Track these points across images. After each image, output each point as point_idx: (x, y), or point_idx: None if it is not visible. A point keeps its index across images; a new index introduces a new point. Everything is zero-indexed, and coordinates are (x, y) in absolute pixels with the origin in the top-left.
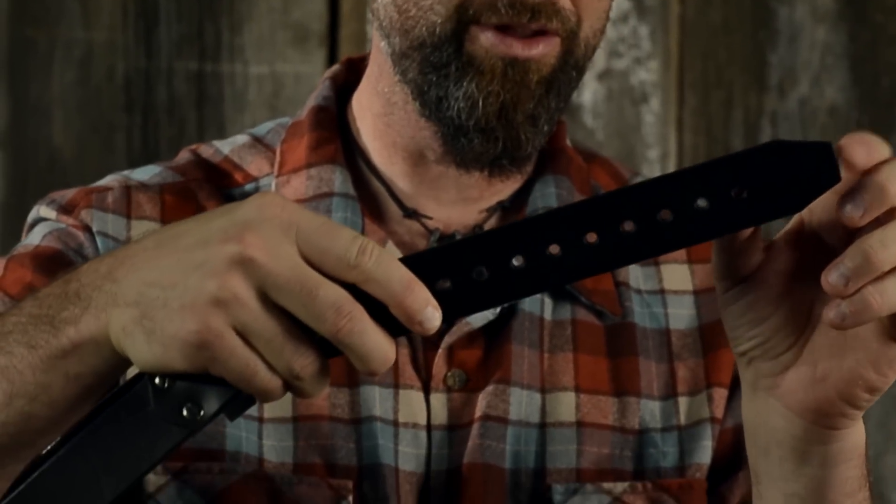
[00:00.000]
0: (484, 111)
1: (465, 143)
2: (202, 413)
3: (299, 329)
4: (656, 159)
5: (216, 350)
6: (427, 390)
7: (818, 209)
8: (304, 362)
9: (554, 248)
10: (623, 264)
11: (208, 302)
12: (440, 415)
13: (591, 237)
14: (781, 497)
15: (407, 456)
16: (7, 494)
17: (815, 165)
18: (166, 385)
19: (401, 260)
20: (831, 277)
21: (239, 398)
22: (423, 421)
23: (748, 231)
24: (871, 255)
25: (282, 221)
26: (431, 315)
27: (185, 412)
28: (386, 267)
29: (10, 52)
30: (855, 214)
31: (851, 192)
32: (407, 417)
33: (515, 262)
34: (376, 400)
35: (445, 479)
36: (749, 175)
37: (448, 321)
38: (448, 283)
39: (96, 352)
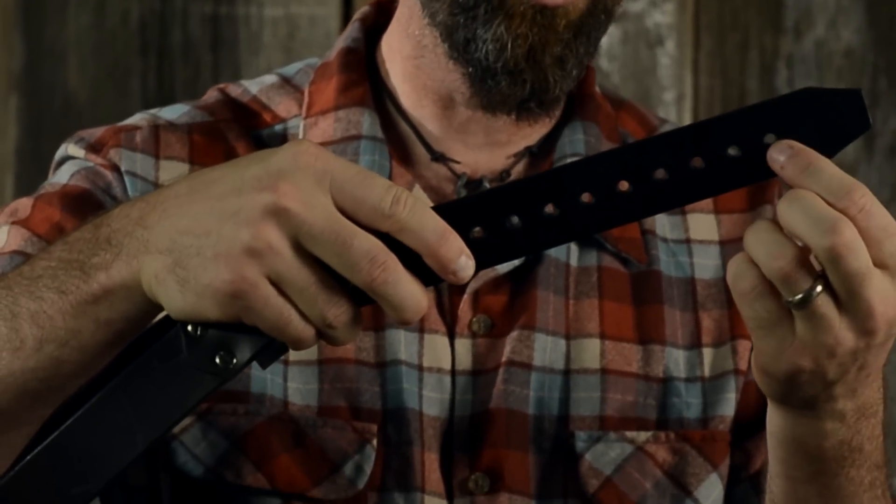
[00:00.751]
0: (512, 53)
1: (493, 85)
2: (234, 361)
3: (332, 278)
4: (672, 102)
5: (250, 300)
6: (452, 335)
7: None
8: (337, 311)
9: (586, 197)
10: (655, 213)
11: (242, 251)
12: (465, 360)
13: (624, 185)
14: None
15: (431, 400)
16: (38, 442)
17: (846, 112)
18: (199, 333)
19: (434, 209)
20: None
21: (271, 346)
22: (447, 366)
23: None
24: None
25: (316, 171)
26: (465, 264)
27: (217, 360)
28: (420, 216)
29: None
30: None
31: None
32: (431, 362)
33: (548, 210)
34: (401, 344)
35: (469, 424)
36: (780, 122)
37: (481, 269)
38: (481, 231)
39: (127, 298)
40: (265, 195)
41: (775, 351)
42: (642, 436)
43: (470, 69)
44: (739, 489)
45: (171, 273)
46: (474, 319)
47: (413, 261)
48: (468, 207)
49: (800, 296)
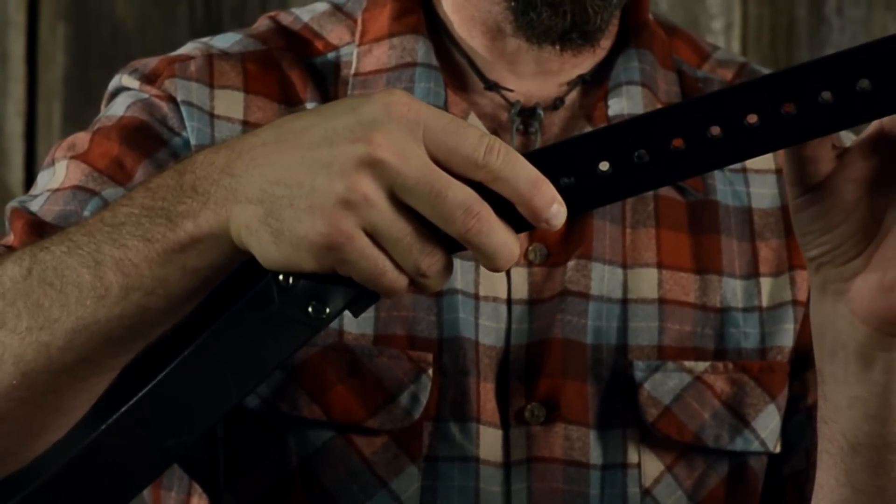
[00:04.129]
0: None
1: (535, 16)
2: (327, 311)
3: (425, 227)
4: (720, 30)
5: (346, 251)
6: None
7: None
8: (430, 261)
9: (677, 142)
10: (745, 158)
11: (338, 203)
12: (521, 289)
13: (715, 130)
14: (845, 399)
15: (487, 329)
16: (118, 388)
17: None
18: (290, 283)
19: (525, 155)
20: None
21: (364, 295)
22: (503, 295)
23: (818, 139)
24: None
25: (409, 121)
26: (557, 212)
27: (310, 310)
28: (513, 165)
29: None
30: None
31: None
32: (488, 291)
33: (639, 156)
34: (458, 273)
35: (525, 353)
36: (873, 68)
37: (573, 215)
38: (572, 178)
39: (216, 246)
40: (359, 146)
41: None
42: (700, 366)
43: (512, 2)
44: (796, 420)
45: (264, 224)
46: (530, 248)
47: (505, 208)
48: (559, 154)
49: None
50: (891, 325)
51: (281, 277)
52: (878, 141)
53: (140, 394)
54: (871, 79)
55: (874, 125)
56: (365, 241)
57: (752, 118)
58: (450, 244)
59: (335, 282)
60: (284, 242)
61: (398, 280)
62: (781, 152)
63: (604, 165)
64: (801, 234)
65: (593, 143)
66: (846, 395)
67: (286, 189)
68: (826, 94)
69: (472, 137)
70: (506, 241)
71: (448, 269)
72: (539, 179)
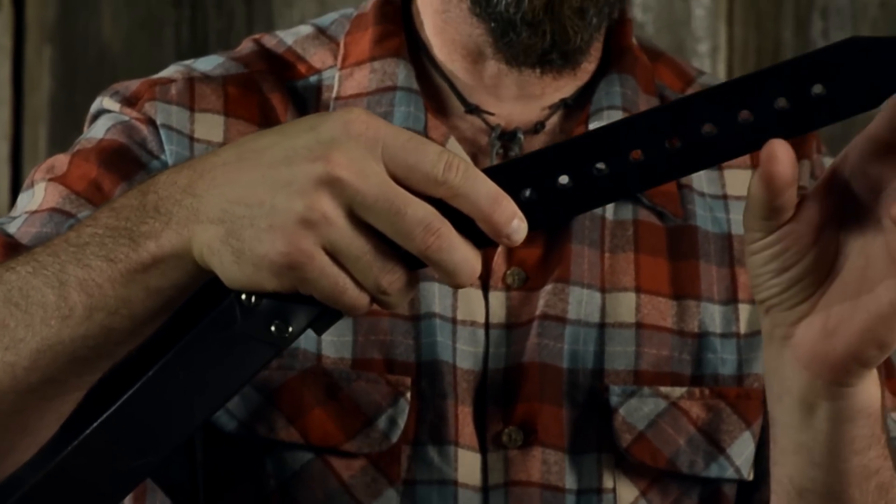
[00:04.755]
0: (530, 4)
1: (514, 37)
2: (290, 330)
3: (386, 245)
4: (706, 53)
5: (307, 271)
6: (486, 288)
7: (853, 155)
8: (391, 278)
9: (636, 154)
10: (705, 167)
11: (297, 222)
12: (499, 313)
13: (673, 141)
14: (791, 445)
15: (465, 353)
16: (86, 408)
17: (891, 61)
18: (253, 302)
19: (485, 171)
20: None
21: (326, 313)
22: (481, 319)
23: (786, 182)
24: None
25: (368, 139)
26: (518, 227)
27: (273, 329)
28: (473, 182)
29: None
30: None
31: None
32: (465, 315)
33: (598, 169)
34: (436, 297)
35: (503, 377)
36: (827, 73)
37: (534, 230)
38: (532, 192)
39: (179, 266)
40: (318, 165)
41: None
42: (677, 391)
43: (492, 23)
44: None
45: (226, 244)
46: (508, 272)
47: (466, 224)
48: (518, 169)
49: None
50: (832, 372)
51: (244, 297)
52: (832, 185)
53: (105, 415)
54: (825, 84)
55: (828, 169)
56: (325, 260)
57: (709, 127)
58: (411, 261)
59: (298, 300)
60: (246, 262)
61: (359, 298)
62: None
63: (563, 179)
64: (754, 276)
65: (552, 156)
66: (792, 440)
67: (247, 209)
68: (781, 101)
69: (431, 154)
70: (467, 258)
71: (410, 286)
72: (499, 195)
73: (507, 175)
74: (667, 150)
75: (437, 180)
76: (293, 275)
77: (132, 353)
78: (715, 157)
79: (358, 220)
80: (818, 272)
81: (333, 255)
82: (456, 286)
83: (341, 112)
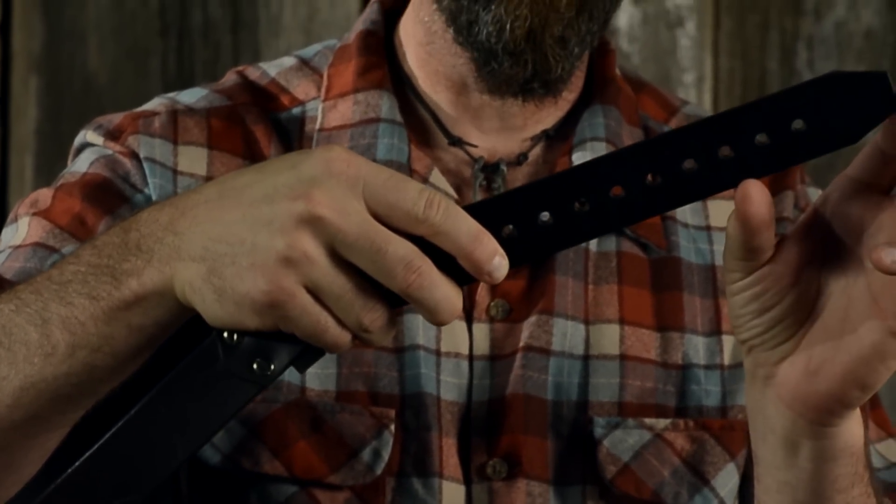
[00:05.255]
0: (512, 34)
1: (496, 66)
2: (272, 368)
3: (367, 283)
4: (692, 83)
5: (288, 309)
6: (470, 320)
7: (834, 196)
8: (373, 316)
9: (617, 190)
10: (686, 203)
11: (279, 261)
12: (482, 345)
13: (653, 177)
14: (774, 483)
15: (449, 385)
16: (70, 446)
17: (873, 95)
18: (235, 340)
19: (466, 208)
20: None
21: (308, 351)
22: (465, 351)
23: (762, 223)
24: None
25: (349, 177)
26: (499, 264)
27: (255, 367)
28: (454, 219)
29: None
30: None
31: None
32: (449, 347)
33: (579, 205)
34: (419, 329)
35: (487, 409)
36: (808, 108)
37: (515, 267)
38: (513, 229)
39: (161, 304)
40: (299, 203)
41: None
42: (661, 423)
43: (474, 53)
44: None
45: (207, 282)
46: (492, 304)
47: (447, 262)
48: (499, 206)
49: None
50: (815, 412)
51: (226, 334)
52: (813, 225)
53: (88, 452)
54: (806, 119)
55: (810, 209)
56: (307, 299)
57: (690, 163)
58: (392, 299)
59: (279, 338)
60: (227, 300)
61: (341, 336)
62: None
63: (544, 216)
64: (735, 317)
65: (533, 193)
66: (776, 479)
67: (228, 247)
68: (762, 137)
69: (412, 192)
70: (448, 295)
71: (391, 323)
72: (480, 233)
73: (487, 212)
74: (647, 187)
75: (418, 218)
76: (275, 313)
77: (116, 389)
78: (696, 194)
79: (339, 259)
80: (799, 312)
81: (315, 294)
82: (437, 324)
83: (322, 150)
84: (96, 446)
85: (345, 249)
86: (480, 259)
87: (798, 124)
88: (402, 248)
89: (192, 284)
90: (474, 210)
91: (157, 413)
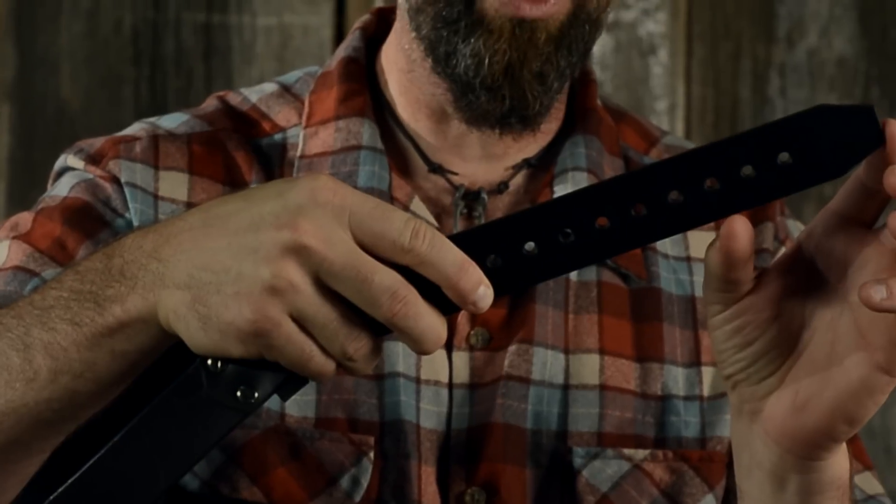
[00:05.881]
0: (490, 69)
1: (473, 99)
2: (256, 395)
3: (352, 312)
4: (664, 111)
5: (273, 338)
6: (450, 348)
7: (818, 230)
8: (357, 345)
9: (602, 221)
10: (670, 235)
11: (264, 290)
12: (462, 373)
13: (639, 209)
14: None
15: (428, 413)
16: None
17: (858, 129)
18: (219, 368)
19: (451, 238)
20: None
21: (292, 379)
22: (445, 378)
23: (743, 258)
24: None
25: (335, 206)
26: (484, 294)
27: (238, 395)
28: (439, 249)
29: (17, 3)
30: None
31: None
32: (429, 375)
33: (564, 236)
34: (399, 356)
35: (466, 437)
36: (793, 141)
37: (500, 297)
38: (498, 259)
39: (144, 330)
40: (284, 233)
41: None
42: (640, 454)
43: (451, 84)
44: None
45: (192, 310)
46: (472, 332)
47: (432, 291)
48: (484, 236)
49: None
50: (802, 447)
51: (209, 362)
52: (796, 259)
53: (70, 480)
54: (791, 152)
55: (794, 244)
56: (292, 328)
57: (675, 195)
58: (377, 328)
59: (263, 366)
60: (212, 328)
61: (326, 364)
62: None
63: (529, 246)
64: (718, 352)
65: (518, 223)
66: None
67: (213, 275)
68: (747, 169)
69: (397, 222)
70: (433, 325)
71: (375, 352)
72: (465, 263)
73: (473, 242)
74: (633, 218)
75: (404, 248)
76: (260, 342)
77: (97, 414)
78: (681, 225)
79: (324, 288)
80: (783, 346)
81: (300, 322)
82: (422, 353)
83: (308, 179)
84: (78, 473)
85: (330, 279)
86: (465, 289)
87: (784, 157)
88: (388, 278)
89: (176, 312)
90: (459, 240)
91: (140, 440)
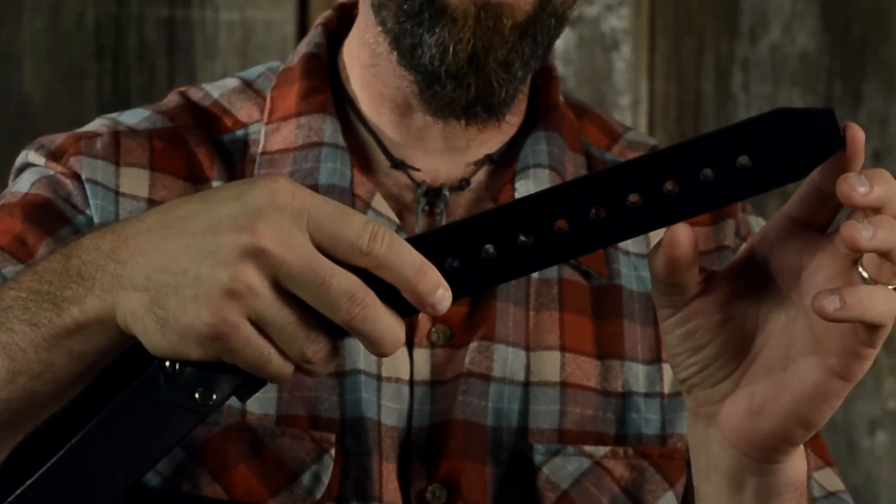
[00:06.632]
0: (455, 58)
1: (439, 89)
2: (214, 397)
3: (311, 315)
4: (627, 106)
5: (231, 341)
6: (411, 345)
7: (771, 234)
8: (315, 348)
9: (561, 223)
10: (630, 237)
11: (222, 293)
12: (423, 370)
13: (598, 211)
14: None
15: (389, 410)
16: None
17: (819, 132)
18: (177, 370)
19: (409, 240)
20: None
21: (250, 381)
22: (405, 376)
23: (685, 264)
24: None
25: (293, 210)
26: (442, 296)
27: (196, 396)
28: (398, 252)
29: None
30: (861, 189)
31: (853, 175)
32: (390, 372)
33: (523, 238)
34: (360, 353)
35: (427, 434)
36: (754, 144)
37: (458, 299)
38: (456, 261)
39: (102, 332)
40: (243, 236)
41: (858, 373)
42: (601, 450)
43: (417, 75)
44: None
45: (150, 312)
46: (433, 329)
47: (390, 293)
48: (443, 238)
49: None
50: (759, 450)
51: (168, 364)
52: (749, 263)
53: (28, 482)
54: (751, 155)
55: (746, 247)
56: (250, 331)
57: (635, 197)
58: (335, 330)
59: (221, 368)
60: (170, 331)
61: (283, 367)
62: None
63: (488, 248)
64: (672, 357)
65: (477, 226)
66: None
67: (171, 277)
68: (707, 171)
69: (356, 225)
70: (391, 328)
71: (334, 354)
72: (423, 265)
73: (431, 244)
74: (592, 221)
75: (362, 251)
76: (218, 345)
77: (55, 414)
78: (640, 228)
79: (283, 291)
80: (736, 350)
81: (258, 326)
82: (380, 355)
83: (267, 181)
84: (37, 475)
85: (289, 282)
86: (424, 292)
87: (743, 160)
88: (346, 281)
89: (134, 314)
90: (418, 242)
91: (99, 442)
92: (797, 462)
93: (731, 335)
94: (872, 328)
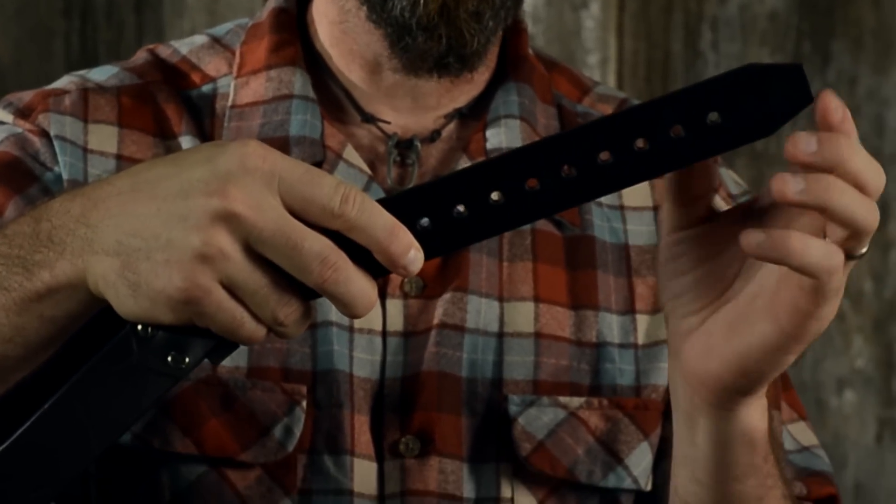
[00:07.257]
0: (425, 9)
1: (410, 42)
2: (186, 361)
3: (282, 277)
4: (596, 65)
5: (204, 305)
6: (384, 296)
7: (767, 199)
8: (288, 311)
9: (532, 182)
10: (601, 195)
11: (194, 257)
12: (396, 321)
13: (568, 170)
14: (679, 457)
15: (361, 362)
16: None
17: (787, 87)
18: (149, 333)
19: (380, 201)
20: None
21: (222, 344)
22: (378, 327)
23: (708, 175)
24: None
25: (264, 173)
26: (414, 258)
27: (169, 360)
28: (369, 214)
29: None
30: (806, 147)
31: (804, 134)
32: (362, 323)
33: (494, 197)
34: (332, 305)
35: (400, 386)
36: (723, 100)
37: (430, 259)
38: (428, 221)
39: (73, 296)
40: (214, 200)
41: (805, 332)
42: (575, 401)
43: (388, 29)
44: (667, 462)
45: (121, 276)
46: (406, 280)
47: (362, 255)
48: (414, 199)
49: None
50: (708, 392)
51: (140, 328)
52: (748, 212)
53: (0, 448)
54: (721, 111)
55: (752, 197)
56: (222, 295)
57: (605, 155)
58: (307, 292)
59: (193, 332)
60: (142, 295)
61: (256, 330)
62: (660, 186)
63: (460, 208)
64: (661, 275)
65: (448, 186)
66: (679, 452)
67: (142, 241)
68: (677, 129)
69: (327, 187)
70: (363, 289)
71: (306, 316)
72: (395, 227)
73: (402, 205)
74: (563, 179)
75: (334, 213)
76: (190, 309)
77: (26, 378)
78: (611, 186)
79: (254, 254)
80: (710, 287)
81: (230, 289)
82: (353, 317)
83: (238, 144)
84: (9, 441)
85: (260, 245)
86: (396, 253)
87: (713, 117)
88: (318, 244)
89: (105, 278)
90: (389, 204)
91: (71, 407)
92: (752, 417)
93: (711, 272)
94: (815, 287)
